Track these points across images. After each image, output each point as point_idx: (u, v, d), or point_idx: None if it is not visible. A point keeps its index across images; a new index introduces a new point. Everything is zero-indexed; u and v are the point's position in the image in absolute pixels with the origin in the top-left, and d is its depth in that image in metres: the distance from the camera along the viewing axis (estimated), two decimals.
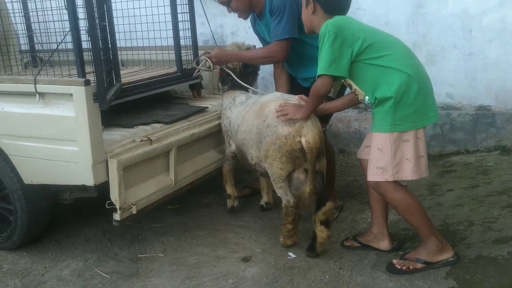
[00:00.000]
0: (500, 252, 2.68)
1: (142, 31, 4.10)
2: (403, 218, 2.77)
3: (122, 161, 2.73)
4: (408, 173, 2.54)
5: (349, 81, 2.59)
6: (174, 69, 3.90)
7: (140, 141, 2.92)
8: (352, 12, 4.52)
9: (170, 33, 3.84)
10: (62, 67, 2.98)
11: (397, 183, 2.58)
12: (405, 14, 4.47)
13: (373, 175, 2.59)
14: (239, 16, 3.48)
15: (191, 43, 3.97)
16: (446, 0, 4.30)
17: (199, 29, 4.23)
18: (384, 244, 2.95)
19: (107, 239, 3.41)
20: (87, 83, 2.60)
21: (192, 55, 3.98)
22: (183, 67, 3.87)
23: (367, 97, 2.55)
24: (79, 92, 2.59)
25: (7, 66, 4.34)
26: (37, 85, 2.73)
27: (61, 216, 3.64)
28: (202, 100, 4.03)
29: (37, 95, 2.76)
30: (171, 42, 3.88)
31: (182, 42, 3.88)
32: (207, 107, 3.73)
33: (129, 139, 2.97)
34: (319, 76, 2.51)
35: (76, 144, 2.69)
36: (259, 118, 2.94)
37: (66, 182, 2.88)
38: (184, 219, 3.64)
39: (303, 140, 2.73)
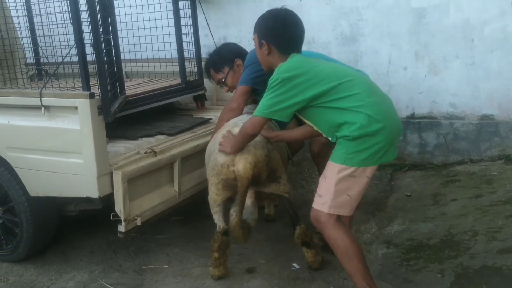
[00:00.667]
0: (504, 262, 2.67)
1: (146, 43, 4.14)
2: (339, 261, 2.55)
3: (127, 173, 2.75)
4: (345, 209, 2.43)
5: (308, 122, 2.52)
6: (178, 81, 3.93)
7: (144, 153, 2.94)
8: (354, 23, 4.63)
9: (174, 45, 3.89)
10: (67, 80, 3.01)
11: (338, 221, 2.44)
12: (407, 24, 4.49)
13: (314, 202, 2.49)
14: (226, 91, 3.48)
15: (194, 55, 4.01)
16: (447, 11, 4.32)
17: (202, 41, 4.26)
18: None
19: (112, 250, 3.43)
20: (91, 96, 2.63)
21: (195, 67, 4.02)
22: (187, 79, 3.90)
23: (329, 138, 2.47)
24: (84, 105, 2.62)
25: (13, 79, 4.39)
26: (42, 98, 2.77)
27: (66, 228, 3.66)
28: (206, 112, 4.06)
29: (43, 108, 2.79)
30: (175, 54, 3.93)
31: (185, 54, 3.92)
32: (211, 118, 3.75)
33: (134, 151, 2.99)
34: (253, 116, 2.48)
35: (81, 157, 2.71)
36: (214, 140, 2.90)
37: (71, 194, 2.90)
38: (189, 230, 3.65)
39: (235, 168, 2.65)
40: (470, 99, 4.42)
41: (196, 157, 3.35)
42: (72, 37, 2.90)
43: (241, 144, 2.64)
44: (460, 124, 4.48)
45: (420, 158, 4.67)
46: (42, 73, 4.85)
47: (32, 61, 4.83)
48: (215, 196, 2.79)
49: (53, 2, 3.21)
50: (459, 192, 3.82)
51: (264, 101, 2.42)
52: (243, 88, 3.10)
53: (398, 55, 4.59)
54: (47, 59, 4.70)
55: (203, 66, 4.05)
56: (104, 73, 2.73)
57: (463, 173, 4.23)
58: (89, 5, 2.68)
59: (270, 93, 2.40)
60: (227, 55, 3.38)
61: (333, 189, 2.39)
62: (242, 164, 2.62)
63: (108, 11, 2.98)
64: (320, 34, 4.82)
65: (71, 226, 3.71)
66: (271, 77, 2.43)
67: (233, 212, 2.67)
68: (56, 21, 3.49)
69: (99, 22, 2.81)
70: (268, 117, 2.44)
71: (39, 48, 4.67)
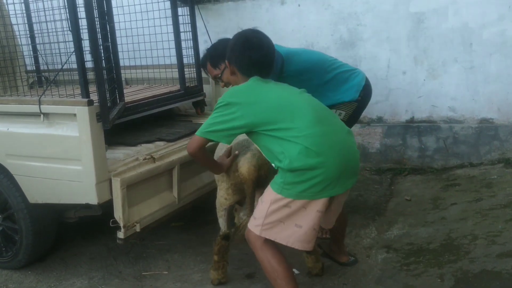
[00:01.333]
0: (504, 266, 2.67)
1: (145, 50, 4.16)
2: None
3: (126, 179, 2.74)
4: (279, 236, 2.37)
5: (255, 146, 2.55)
6: (177, 87, 3.94)
7: (143, 159, 2.94)
8: (353, 28, 4.64)
9: (173, 52, 3.89)
10: (66, 87, 3.02)
11: (268, 243, 2.41)
12: (405, 29, 4.50)
13: (249, 222, 2.49)
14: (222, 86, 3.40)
15: (194, 61, 4.02)
16: (446, 15, 4.33)
17: (201, 47, 4.25)
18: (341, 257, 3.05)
19: (112, 257, 3.43)
20: (90, 103, 2.63)
21: (195, 73, 4.03)
22: (186, 85, 3.91)
23: (272, 164, 2.42)
24: (83, 112, 2.63)
25: (13, 86, 4.41)
26: (41, 106, 2.77)
27: (66, 235, 3.66)
28: (206, 117, 4.04)
29: (42, 115, 2.80)
30: (174, 60, 3.94)
31: (185, 60, 3.92)
32: None
33: (133, 158, 2.99)
34: (194, 134, 2.46)
35: (80, 163, 2.71)
36: (220, 145, 2.96)
37: (70, 200, 2.90)
38: (188, 236, 3.65)
39: (239, 172, 2.67)
40: (470, 103, 4.43)
41: (195, 163, 3.35)
42: (71, 44, 2.92)
43: (203, 164, 2.70)
44: (460, 128, 4.48)
45: (420, 162, 4.67)
46: (42, 80, 4.88)
47: (32, 69, 4.85)
48: (223, 200, 2.82)
49: (53, 9, 3.23)
50: (459, 196, 3.82)
51: (206, 121, 2.43)
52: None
53: (397, 60, 4.60)
54: (47, 66, 4.73)
55: (202, 73, 4.07)
56: (103, 80, 2.74)
57: (463, 177, 4.23)
58: (87, 12, 2.68)
59: (213, 113, 2.41)
60: (224, 51, 3.34)
61: (265, 214, 2.37)
62: (246, 168, 2.63)
63: (107, 18, 2.99)
64: (319, 39, 4.84)
65: (70, 232, 3.72)
66: (218, 99, 2.43)
67: (244, 216, 2.73)
68: (56, 28, 3.51)
69: (98, 29, 2.82)
70: (205, 136, 2.40)
71: (39, 56, 4.70)
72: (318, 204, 2.32)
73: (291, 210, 2.33)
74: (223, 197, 2.81)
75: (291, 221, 2.35)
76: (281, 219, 2.35)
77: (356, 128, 4.83)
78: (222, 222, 2.88)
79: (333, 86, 3.31)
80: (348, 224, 3.56)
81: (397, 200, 4.04)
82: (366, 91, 3.37)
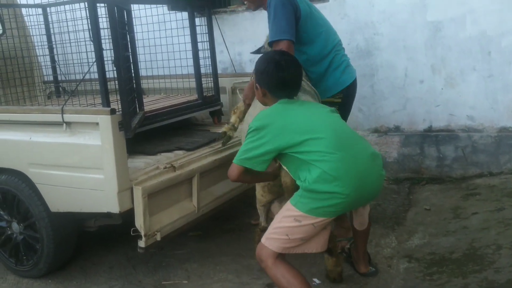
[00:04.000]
0: None
1: (163, 60, 4.19)
2: None
3: (147, 188, 2.75)
4: (277, 245, 2.41)
5: (283, 166, 2.56)
6: (194, 96, 3.96)
7: (163, 168, 2.95)
8: (369, 37, 4.64)
9: (191, 62, 3.92)
10: (84, 96, 3.04)
11: (280, 259, 2.42)
12: (423, 38, 4.49)
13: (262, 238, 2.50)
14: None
15: (211, 71, 4.04)
16: (464, 24, 4.32)
17: (218, 57, 4.30)
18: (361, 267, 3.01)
19: (131, 266, 3.42)
20: (113, 112, 2.65)
21: (212, 83, 4.05)
22: (204, 95, 3.93)
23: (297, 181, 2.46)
24: (105, 121, 2.65)
25: (32, 96, 4.47)
26: (64, 115, 2.80)
27: (86, 244, 3.67)
28: (223, 126, 4.06)
29: (64, 124, 2.82)
30: (191, 70, 3.96)
31: (202, 70, 3.95)
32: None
33: (153, 166, 3.00)
34: (233, 162, 2.48)
35: (102, 172, 2.73)
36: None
37: (91, 209, 2.92)
38: (207, 245, 3.64)
39: (282, 181, 2.71)
40: (488, 112, 4.39)
41: (214, 171, 3.36)
42: (87, 55, 2.96)
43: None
44: (479, 136, 4.43)
45: (438, 171, 4.62)
46: (60, 90, 4.94)
47: (50, 79, 4.91)
48: (260, 197, 3.00)
49: (73, 20, 3.28)
50: (479, 206, 3.77)
51: (241, 148, 2.47)
52: (281, 42, 2.92)
53: (414, 69, 4.58)
54: (65, 77, 4.79)
55: (219, 82, 4.10)
56: (125, 89, 2.76)
57: (483, 186, 4.18)
58: (111, 23, 2.72)
59: (245, 139, 2.47)
60: None
61: (276, 225, 2.43)
62: (290, 178, 2.60)
63: (127, 28, 3.02)
64: None
65: (89, 241, 3.72)
66: (249, 124, 2.49)
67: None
68: (77, 39, 3.56)
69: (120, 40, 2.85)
70: (240, 164, 2.43)
71: (57, 66, 4.76)
72: (326, 222, 2.41)
73: (300, 224, 2.36)
74: (259, 193, 2.99)
75: (298, 236, 2.40)
76: (287, 233, 2.39)
77: (373, 137, 4.81)
78: (261, 214, 3.08)
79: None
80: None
81: (416, 209, 4.00)
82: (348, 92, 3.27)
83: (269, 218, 2.99)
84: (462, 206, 3.86)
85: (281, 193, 2.84)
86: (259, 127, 2.41)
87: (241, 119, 3.33)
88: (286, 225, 2.39)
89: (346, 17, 4.74)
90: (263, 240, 2.46)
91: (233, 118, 3.36)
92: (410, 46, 4.55)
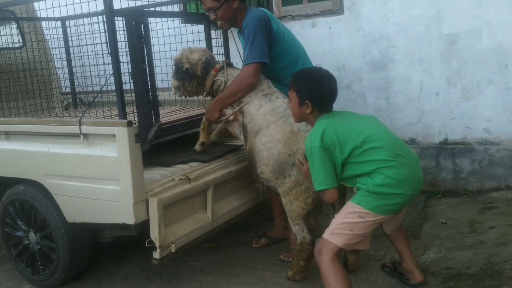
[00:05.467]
0: None
1: None
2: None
3: (162, 200, 2.77)
4: (345, 242, 2.56)
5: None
6: None
7: (179, 180, 2.97)
8: (384, 49, 4.64)
9: None
10: (100, 108, 3.07)
11: (337, 258, 2.56)
12: (438, 51, 4.47)
13: (324, 233, 2.63)
14: (221, 25, 3.41)
15: None
16: (480, 36, 4.30)
17: None
18: (416, 277, 2.97)
19: (145, 277, 3.44)
20: (129, 124, 2.68)
21: None
22: None
23: (350, 185, 2.65)
24: (122, 133, 2.68)
25: (50, 108, 4.54)
26: (81, 127, 2.84)
27: (101, 254, 3.69)
28: (237, 139, 4.07)
29: (82, 136, 2.86)
30: None
31: None
32: (242, 145, 3.77)
33: (168, 178, 3.02)
34: (321, 190, 2.59)
35: (118, 184, 2.75)
36: (286, 147, 2.97)
37: (107, 220, 2.94)
38: (221, 257, 3.64)
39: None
40: (505, 125, 4.35)
41: (229, 183, 3.37)
42: (105, 67, 3.00)
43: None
44: (495, 150, 4.39)
45: (454, 184, 4.58)
46: (77, 102, 5.01)
47: (67, 90, 4.98)
48: (300, 210, 2.99)
49: (92, 33, 3.33)
50: (497, 220, 3.72)
51: (317, 174, 2.57)
52: (259, 65, 3.16)
53: (430, 81, 4.57)
54: (82, 89, 4.86)
55: None
56: (142, 101, 2.79)
57: (500, 200, 4.13)
58: (129, 37, 2.76)
59: (317, 165, 2.56)
60: None
61: (339, 222, 2.57)
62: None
63: (144, 41, 3.06)
64: (350, 61, 4.84)
65: (104, 252, 3.75)
66: (307, 147, 2.61)
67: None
68: (95, 51, 3.62)
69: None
70: (331, 186, 2.57)
71: (75, 78, 4.84)
72: (385, 219, 2.60)
73: (364, 220, 2.54)
74: (300, 207, 2.98)
75: (360, 231, 2.57)
76: (351, 228, 2.55)
77: None
78: (300, 230, 3.03)
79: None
80: (383, 247, 3.53)
81: (432, 223, 3.96)
82: None
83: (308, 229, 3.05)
84: (478, 220, 3.81)
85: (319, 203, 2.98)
86: (324, 148, 2.53)
87: (210, 133, 3.48)
88: (351, 221, 2.55)
89: (361, 30, 4.75)
90: (326, 235, 2.57)
91: (202, 137, 3.46)
92: (425, 59, 4.54)
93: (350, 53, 4.83)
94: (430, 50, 4.51)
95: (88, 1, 3.00)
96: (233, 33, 4.12)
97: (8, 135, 3.26)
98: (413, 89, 4.64)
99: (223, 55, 4.04)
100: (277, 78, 3.40)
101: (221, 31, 4.07)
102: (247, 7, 3.36)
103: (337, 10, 4.84)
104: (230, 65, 3.47)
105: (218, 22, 3.36)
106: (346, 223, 2.55)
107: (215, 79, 3.33)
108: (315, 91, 2.67)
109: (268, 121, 3.06)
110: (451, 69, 4.46)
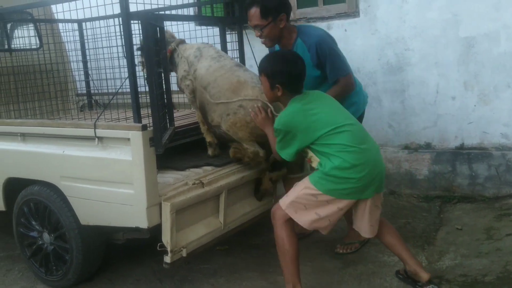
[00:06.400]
0: None
1: None
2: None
3: (175, 204, 2.77)
4: (299, 217, 2.77)
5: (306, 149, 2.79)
6: None
7: (192, 184, 2.96)
8: (400, 52, 4.60)
9: None
10: (115, 110, 3.08)
11: (288, 224, 2.81)
12: (455, 54, 4.42)
13: (281, 199, 2.87)
14: (264, 43, 3.42)
15: None
16: (498, 40, 4.23)
17: None
18: (422, 276, 2.95)
19: (157, 279, 3.44)
20: (144, 128, 2.69)
21: None
22: None
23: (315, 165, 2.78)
24: (136, 137, 2.69)
25: (66, 109, 4.58)
26: (96, 130, 2.85)
27: (113, 256, 3.71)
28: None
29: (96, 139, 2.87)
30: None
31: None
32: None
33: (182, 182, 3.02)
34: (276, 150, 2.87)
35: (131, 187, 2.76)
36: (234, 93, 3.17)
37: (120, 224, 2.95)
38: (233, 260, 3.64)
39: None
40: None
41: (242, 188, 3.36)
42: (120, 70, 3.00)
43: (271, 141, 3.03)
44: None
45: (470, 190, 4.52)
46: (93, 103, 5.05)
47: (83, 92, 5.02)
48: (248, 135, 3.21)
49: (108, 37, 3.35)
50: None
51: (278, 144, 2.83)
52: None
53: (446, 85, 4.51)
54: (98, 90, 4.90)
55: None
56: (157, 105, 2.79)
57: None
58: (145, 40, 2.77)
59: (278, 140, 2.80)
60: (274, 3, 3.22)
61: (295, 196, 2.77)
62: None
63: (160, 45, 3.06)
64: (365, 64, 4.81)
65: (117, 254, 3.76)
66: (274, 126, 2.79)
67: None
68: (111, 53, 3.63)
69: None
70: (282, 156, 2.83)
71: (91, 80, 4.88)
72: (342, 203, 2.72)
73: (317, 200, 2.73)
74: (246, 134, 3.21)
75: (313, 209, 2.75)
76: (305, 205, 2.75)
77: (403, 154, 4.75)
78: (251, 146, 3.25)
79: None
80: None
81: (447, 229, 3.91)
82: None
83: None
84: (495, 226, 3.75)
85: None
86: (285, 131, 2.73)
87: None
88: (305, 198, 2.75)
89: (376, 33, 4.71)
90: (283, 205, 2.79)
91: (207, 137, 3.53)
92: (442, 62, 4.49)
93: (365, 56, 4.79)
94: (447, 53, 4.45)
95: (104, 5, 3.01)
96: (247, 36, 4.12)
97: (24, 136, 3.29)
98: (429, 93, 4.59)
99: (238, 59, 4.03)
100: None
101: (236, 34, 4.06)
102: (295, 28, 3.36)
103: (352, 12, 4.81)
104: (182, 42, 3.64)
105: (261, 40, 3.38)
106: (301, 199, 2.75)
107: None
108: (283, 74, 2.76)
109: (216, 75, 3.26)
110: (468, 73, 4.41)
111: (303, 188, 2.77)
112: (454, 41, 4.41)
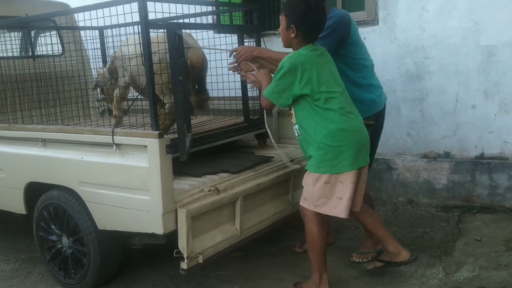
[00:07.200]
0: None
1: (211, 82, 4.26)
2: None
3: (191, 210, 2.80)
4: (327, 208, 2.91)
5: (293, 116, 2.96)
6: (241, 119, 3.99)
7: (208, 191, 2.99)
8: (419, 61, 4.57)
9: (238, 84, 3.96)
10: (133, 115, 3.10)
11: (318, 218, 2.96)
12: (475, 63, 4.37)
13: (300, 201, 3.04)
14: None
15: (258, 94, 4.06)
16: None
17: None
18: (403, 255, 3.14)
19: (174, 284, 3.47)
20: (161, 135, 2.72)
21: (258, 106, 4.07)
22: (250, 117, 3.96)
23: (297, 126, 2.95)
24: (153, 144, 2.72)
25: (86, 115, 4.66)
26: (114, 137, 2.90)
27: (130, 261, 3.75)
28: (267, 149, 4.08)
29: (114, 146, 2.92)
30: (239, 92, 4.00)
31: (249, 93, 3.98)
32: (273, 157, 3.77)
33: (198, 189, 3.04)
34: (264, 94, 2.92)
35: (148, 193, 2.79)
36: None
37: (137, 229, 2.99)
38: (249, 267, 3.64)
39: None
40: None
41: (258, 195, 3.37)
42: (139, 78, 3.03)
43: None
44: None
45: (490, 200, 4.45)
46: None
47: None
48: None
49: (127, 46, 3.41)
50: None
51: (272, 84, 2.87)
52: None
53: (466, 94, 4.46)
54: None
55: None
56: (180, 113, 2.83)
57: None
58: (170, 48, 2.81)
59: (277, 79, 2.83)
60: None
61: (313, 194, 2.91)
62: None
63: (178, 53, 3.10)
64: (384, 72, 4.77)
65: (134, 258, 3.80)
66: (281, 63, 2.82)
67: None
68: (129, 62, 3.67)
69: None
70: (271, 101, 2.89)
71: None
72: (350, 176, 2.85)
73: (331, 185, 2.86)
74: None
75: (333, 195, 2.87)
76: (326, 195, 2.88)
77: (422, 162, 4.71)
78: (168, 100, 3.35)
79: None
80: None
81: (465, 239, 3.86)
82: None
83: None
84: None
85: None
86: (293, 68, 2.77)
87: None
88: (322, 191, 2.88)
89: (396, 41, 4.69)
90: (311, 207, 2.94)
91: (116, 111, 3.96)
92: (461, 71, 4.45)
93: (385, 64, 4.77)
94: (467, 62, 4.41)
95: (124, 14, 3.07)
96: (265, 43, 4.14)
97: (45, 142, 3.36)
98: (449, 102, 4.54)
99: None
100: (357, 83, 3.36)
101: (254, 42, 4.08)
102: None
103: (371, 20, 4.80)
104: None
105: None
106: (319, 193, 2.88)
107: None
108: (302, 15, 2.81)
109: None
110: (489, 82, 4.35)
111: (311, 183, 2.90)
112: (475, 49, 4.36)
